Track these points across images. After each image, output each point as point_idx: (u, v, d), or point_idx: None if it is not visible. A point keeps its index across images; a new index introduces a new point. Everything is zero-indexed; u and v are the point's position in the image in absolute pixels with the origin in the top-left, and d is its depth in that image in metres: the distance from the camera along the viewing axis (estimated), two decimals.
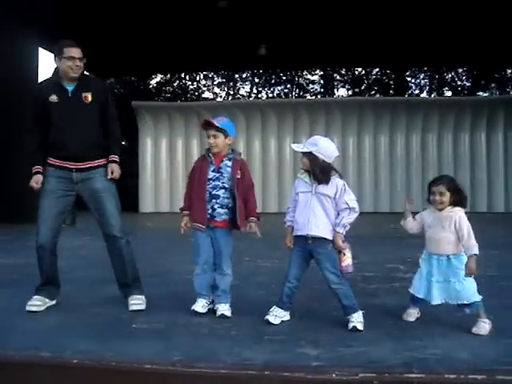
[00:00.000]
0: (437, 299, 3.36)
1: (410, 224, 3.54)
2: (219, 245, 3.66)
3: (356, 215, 3.35)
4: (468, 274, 3.21)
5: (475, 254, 3.20)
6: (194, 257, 3.73)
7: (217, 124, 3.61)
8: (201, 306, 3.65)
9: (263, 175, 14.94)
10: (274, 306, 3.48)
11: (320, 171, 3.31)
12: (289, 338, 3.12)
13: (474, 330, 3.22)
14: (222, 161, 3.66)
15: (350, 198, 3.32)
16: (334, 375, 2.55)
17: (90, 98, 3.77)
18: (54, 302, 3.86)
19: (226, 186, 3.64)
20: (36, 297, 3.76)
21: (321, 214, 3.33)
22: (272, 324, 3.39)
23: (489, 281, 4.83)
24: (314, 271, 3.54)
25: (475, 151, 14.75)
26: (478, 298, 3.28)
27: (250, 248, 7.04)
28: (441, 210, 3.37)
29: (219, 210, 3.65)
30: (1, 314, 3.67)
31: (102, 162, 3.82)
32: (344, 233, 3.34)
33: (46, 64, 24.43)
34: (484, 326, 3.22)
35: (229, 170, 3.65)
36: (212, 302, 3.71)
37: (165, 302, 3.88)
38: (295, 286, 3.46)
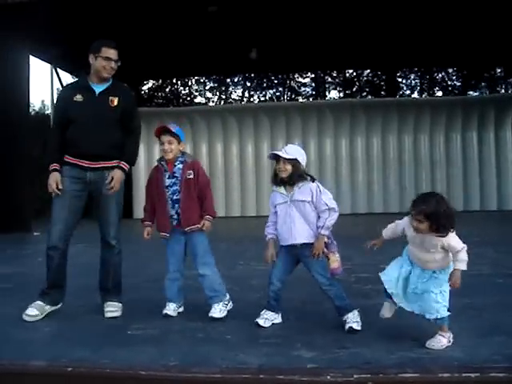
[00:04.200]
0: (408, 307, 3.10)
1: (388, 237, 3.29)
2: (192, 247, 3.76)
3: (337, 215, 3.34)
4: (451, 287, 2.94)
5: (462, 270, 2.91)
6: (165, 265, 3.85)
7: (173, 130, 3.69)
8: (172, 309, 3.79)
9: (256, 179, 14.95)
10: (265, 309, 3.50)
11: (299, 176, 3.36)
12: (283, 341, 3.12)
13: (428, 343, 2.94)
14: (175, 165, 3.73)
15: (328, 198, 3.34)
16: (328, 377, 2.56)
17: (115, 103, 3.76)
18: (58, 307, 3.85)
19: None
20: (36, 303, 3.72)
21: (301, 220, 3.35)
22: (262, 327, 3.40)
23: (484, 278, 4.87)
24: (306, 273, 3.55)
25: (467, 150, 14.82)
26: (445, 313, 2.99)
27: (245, 252, 7.05)
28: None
29: None
30: None
31: (116, 163, 3.80)
32: (327, 234, 3.35)
33: (38, 73, 24.07)
34: (440, 340, 2.96)
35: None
36: (181, 306, 3.88)
37: (159, 307, 3.87)
38: (279, 289, 3.47)
